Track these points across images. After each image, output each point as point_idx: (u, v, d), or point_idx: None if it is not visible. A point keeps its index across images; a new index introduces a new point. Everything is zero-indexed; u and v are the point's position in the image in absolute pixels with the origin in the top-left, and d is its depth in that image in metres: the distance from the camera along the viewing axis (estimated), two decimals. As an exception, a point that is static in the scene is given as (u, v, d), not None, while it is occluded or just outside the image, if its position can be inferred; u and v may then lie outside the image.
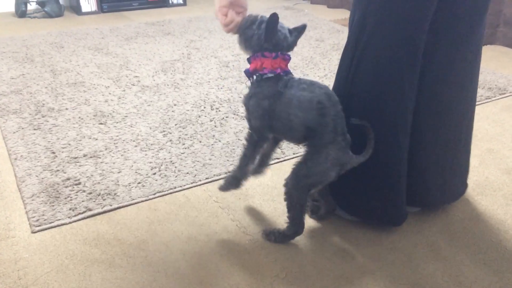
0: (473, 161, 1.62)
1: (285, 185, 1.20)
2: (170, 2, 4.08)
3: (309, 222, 1.32)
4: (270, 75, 1.14)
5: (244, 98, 1.20)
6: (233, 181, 1.28)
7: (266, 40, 1.13)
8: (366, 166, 1.16)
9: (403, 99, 1.16)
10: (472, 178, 1.52)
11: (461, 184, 1.38)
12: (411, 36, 1.11)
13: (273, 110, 1.14)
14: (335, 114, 1.12)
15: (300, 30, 1.20)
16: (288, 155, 1.67)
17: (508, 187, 1.47)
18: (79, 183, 1.48)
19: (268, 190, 1.48)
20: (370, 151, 1.14)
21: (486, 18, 1.20)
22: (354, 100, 1.20)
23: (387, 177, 1.21)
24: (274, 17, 1.11)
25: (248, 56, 1.19)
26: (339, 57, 2.68)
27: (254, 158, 1.25)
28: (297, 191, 1.17)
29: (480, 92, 2.17)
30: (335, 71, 2.49)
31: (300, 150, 1.69)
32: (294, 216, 1.20)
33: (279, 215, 1.36)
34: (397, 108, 1.17)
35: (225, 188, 1.29)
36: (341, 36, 3.11)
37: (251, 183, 1.50)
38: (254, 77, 1.17)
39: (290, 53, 1.19)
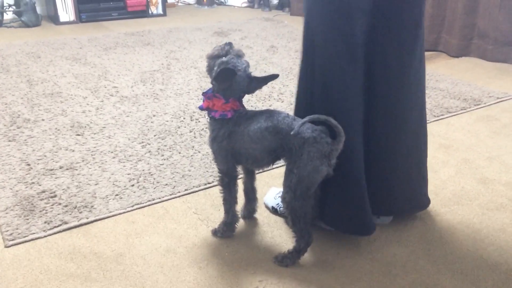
0: (449, 171, 1.64)
1: (283, 200, 1.19)
2: (150, 12, 4.08)
3: (290, 234, 1.31)
4: (221, 117, 1.18)
5: (209, 141, 1.24)
6: (227, 227, 1.30)
7: (215, 82, 1.18)
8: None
9: (347, 94, 1.19)
10: (448, 188, 1.54)
11: (426, 193, 1.40)
12: (349, 31, 1.15)
13: (233, 148, 1.20)
14: (287, 124, 1.15)
15: (267, 80, 1.22)
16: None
17: (484, 196, 1.50)
18: (55, 196, 1.45)
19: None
20: (342, 135, 1.13)
21: (423, 25, 1.26)
22: (314, 100, 1.24)
23: (346, 183, 1.22)
24: (228, 72, 1.14)
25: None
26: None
27: (235, 198, 1.29)
28: (297, 201, 1.15)
29: (455, 103, 2.22)
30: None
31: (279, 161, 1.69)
32: (302, 227, 1.18)
33: (259, 226, 1.35)
34: (343, 103, 1.19)
35: (223, 236, 1.31)
36: (320, 48, 3.15)
37: (231, 194, 1.49)
38: (210, 116, 1.21)
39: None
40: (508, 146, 1.82)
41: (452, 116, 2.09)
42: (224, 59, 1.17)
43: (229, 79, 1.16)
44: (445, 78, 2.56)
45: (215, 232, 1.32)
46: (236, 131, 1.18)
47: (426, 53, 3.05)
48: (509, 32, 2.76)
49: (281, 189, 1.27)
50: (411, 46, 1.21)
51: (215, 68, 1.17)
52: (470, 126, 1.99)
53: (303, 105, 1.28)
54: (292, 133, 1.13)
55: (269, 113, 1.19)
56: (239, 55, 1.20)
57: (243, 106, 1.23)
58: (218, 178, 1.28)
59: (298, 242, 1.20)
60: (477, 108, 2.17)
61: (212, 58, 1.19)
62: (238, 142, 1.19)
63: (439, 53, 3.08)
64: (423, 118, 1.34)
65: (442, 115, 2.09)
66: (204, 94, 1.22)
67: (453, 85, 2.45)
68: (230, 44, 1.21)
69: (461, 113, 2.12)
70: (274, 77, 1.23)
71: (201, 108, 1.23)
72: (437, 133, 1.93)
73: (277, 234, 1.32)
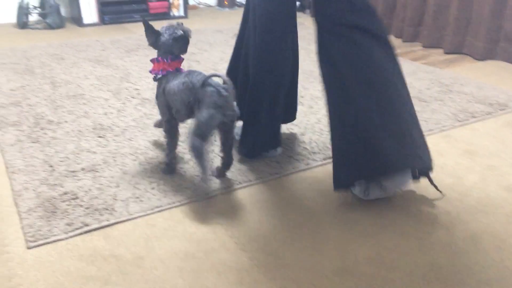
0: (474, 177, 1.60)
1: (187, 136, 1.44)
2: (172, 14, 4.11)
3: (308, 239, 1.30)
4: (158, 76, 1.52)
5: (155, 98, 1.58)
6: (168, 167, 1.61)
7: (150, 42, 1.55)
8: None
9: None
10: (473, 195, 1.50)
11: (424, 154, 1.41)
12: None
13: (167, 101, 1.51)
14: (197, 81, 1.41)
15: (183, 39, 1.53)
16: (287, 170, 1.66)
17: (510, 204, 1.46)
18: (77, 198, 1.47)
19: (267, 206, 1.46)
20: (230, 89, 1.39)
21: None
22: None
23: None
24: (145, 21, 1.53)
25: None
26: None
27: (176, 143, 1.61)
28: (195, 140, 1.38)
29: (480, 107, 2.17)
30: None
31: (300, 164, 1.68)
32: (199, 164, 1.41)
33: (278, 232, 1.34)
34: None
35: (164, 173, 1.61)
36: (342, 50, 3.12)
37: (250, 199, 1.49)
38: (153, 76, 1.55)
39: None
40: (536, 153, 1.77)
41: (477, 121, 2.04)
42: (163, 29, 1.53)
43: (152, 36, 1.53)
44: (470, 82, 2.50)
45: (162, 171, 1.62)
46: (166, 87, 1.49)
47: (451, 56, 3.00)
48: (537, 35, 2.69)
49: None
50: None
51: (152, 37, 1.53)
52: (495, 131, 1.95)
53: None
54: (198, 86, 1.40)
55: (188, 72, 1.48)
56: (178, 28, 1.53)
57: (180, 68, 1.54)
58: (164, 129, 1.58)
59: (201, 172, 1.43)
60: (503, 113, 2.11)
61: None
62: (168, 96, 1.49)
63: (463, 56, 3.02)
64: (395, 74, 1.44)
65: (466, 120, 2.05)
66: (151, 60, 1.55)
67: (478, 89, 2.39)
68: (178, 23, 1.56)
69: (486, 118, 2.07)
70: (184, 37, 1.53)
71: (150, 72, 1.55)
72: (461, 139, 1.89)
73: (296, 238, 1.31)
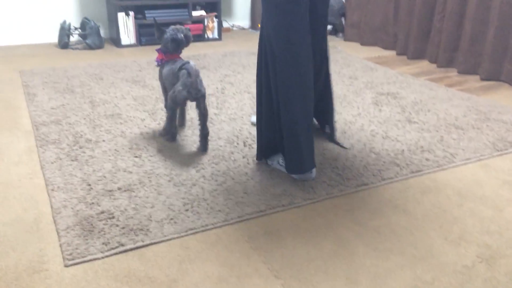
0: (515, 210, 1.55)
1: (164, 105, 2.05)
2: (206, 36, 4.19)
3: (342, 268, 1.28)
4: (158, 64, 2.05)
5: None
6: (167, 132, 2.04)
7: (158, 38, 2.04)
8: None
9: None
10: (515, 229, 1.46)
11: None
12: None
13: (163, 83, 2.06)
14: (176, 68, 1.91)
15: (157, 27, 2.04)
16: (321, 196, 1.65)
17: (554, 240, 1.40)
18: (113, 217, 1.49)
19: (301, 232, 1.45)
20: (192, 77, 1.84)
21: None
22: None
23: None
24: (154, 20, 2.10)
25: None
26: (372, 95, 2.71)
27: (175, 117, 2.00)
28: (168, 109, 1.96)
29: (520, 137, 2.11)
30: (369, 110, 2.49)
31: (334, 190, 1.67)
32: (167, 120, 2.00)
33: (312, 259, 1.33)
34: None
35: (165, 139, 2.06)
36: (375, 74, 3.11)
37: (284, 225, 1.48)
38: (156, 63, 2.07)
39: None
40: None
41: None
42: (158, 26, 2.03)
43: (158, 33, 2.03)
44: (508, 110, 2.45)
45: (159, 134, 2.12)
46: (162, 72, 2.02)
47: (488, 83, 2.95)
48: None
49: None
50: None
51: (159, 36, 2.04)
52: (537, 162, 1.89)
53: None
54: (176, 70, 1.91)
55: (174, 61, 1.98)
56: (180, 32, 2.01)
57: (178, 58, 2.02)
58: (164, 104, 2.11)
59: (165, 126, 2.04)
60: (544, 143, 2.05)
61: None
62: (164, 78, 2.02)
63: (501, 83, 2.96)
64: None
65: (505, 149, 2.00)
66: (156, 50, 2.06)
67: (517, 118, 2.34)
68: (184, 29, 2.03)
69: (526, 148, 2.01)
70: (181, 41, 2.00)
71: (156, 60, 2.06)
72: (500, 169, 1.84)
73: (330, 266, 1.29)
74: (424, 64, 3.48)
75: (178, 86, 1.87)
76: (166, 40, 1.99)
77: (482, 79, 3.06)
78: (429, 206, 1.59)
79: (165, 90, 2.08)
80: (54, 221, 1.48)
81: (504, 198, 1.63)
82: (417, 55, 3.62)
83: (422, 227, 1.47)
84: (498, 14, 2.91)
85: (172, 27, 2.01)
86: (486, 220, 1.50)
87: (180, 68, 1.88)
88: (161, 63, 2.04)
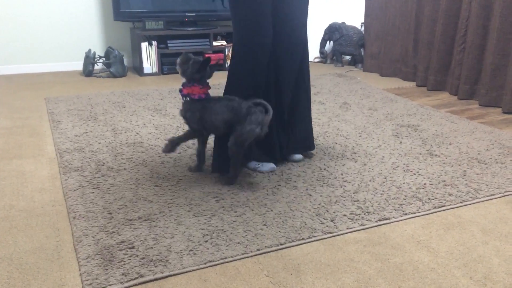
0: (543, 250, 1.51)
1: (229, 144, 1.85)
2: (226, 66, 4.25)
3: None
4: (199, 97, 1.89)
5: (181, 111, 1.95)
6: (195, 168, 2.05)
7: (198, 72, 1.88)
8: None
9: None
10: (543, 270, 1.41)
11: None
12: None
13: (202, 117, 1.89)
14: (239, 105, 1.84)
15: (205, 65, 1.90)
16: (341, 230, 1.63)
17: None
18: (133, 247, 1.50)
19: (321, 267, 1.43)
20: (271, 111, 1.83)
21: None
22: None
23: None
24: (208, 60, 1.87)
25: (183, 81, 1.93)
26: (393, 127, 2.69)
27: (203, 149, 2.03)
28: (235, 146, 1.84)
29: (546, 172, 2.07)
30: (389, 142, 2.47)
31: (354, 224, 1.65)
32: (234, 163, 1.89)
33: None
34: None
35: (193, 171, 2.05)
36: (395, 106, 3.10)
37: (303, 259, 1.46)
38: (188, 98, 1.90)
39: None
40: None
41: (542, 187, 1.95)
42: (192, 58, 1.88)
43: (205, 67, 1.88)
44: (533, 144, 2.40)
45: (189, 168, 2.06)
46: (207, 106, 1.87)
47: (510, 116, 2.92)
48: None
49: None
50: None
51: (190, 67, 1.87)
52: None
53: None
54: (242, 108, 1.83)
55: (227, 99, 1.89)
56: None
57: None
58: (190, 134, 1.99)
59: (231, 171, 1.92)
60: None
61: (184, 63, 1.88)
62: (206, 113, 1.87)
63: (524, 116, 2.92)
64: None
65: (531, 185, 1.95)
66: (183, 85, 1.90)
67: (542, 153, 2.29)
68: (185, 53, 1.91)
69: (552, 184, 1.97)
70: (204, 61, 1.88)
71: (181, 93, 1.91)
72: (526, 206, 1.79)
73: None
74: (445, 96, 3.46)
75: (250, 124, 1.80)
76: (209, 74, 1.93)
77: (504, 112, 3.02)
78: (453, 243, 1.55)
79: (200, 124, 1.92)
80: (75, 250, 1.49)
81: (530, 236, 1.59)
82: (437, 87, 3.61)
83: (446, 265, 1.43)
84: (520, 47, 2.90)
85: (194, 59, 1.95)
86: (513, 260, 1.46)
87: (255, 104, 1.83)
88: (205, 96, 1.91)
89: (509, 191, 1.91)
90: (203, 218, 1.68)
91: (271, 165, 2.09)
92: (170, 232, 1.59)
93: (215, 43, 4.17)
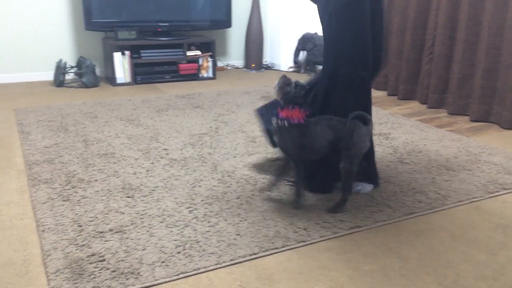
0: (508, 254, 1.55)
1: (343, 168, 1.74)
2: (201, 75, 4.25)
3: None
4: (298, 122, 1.73)
5: (280, 141, 1.79)
6: (297, 200, 1.85)
7: (304, 97, 1.75)
8: None
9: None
10: (508, 274, 1.45)
11: None
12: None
13: (302, 143, 1.74)
14: (339, 122, 1.73)
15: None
16: (314, 238, 1.64)
17: (548, 285, 1.40)
18: (104, 260, 1.47)
19: (294, 276, 1.44)
20: (372, 122, 1.78)
21: None
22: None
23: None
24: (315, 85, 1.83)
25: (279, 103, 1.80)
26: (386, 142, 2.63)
27: (303, 177, 1.85)
28: (354, 167, 1.74)
29: (510, 179, 2.14)
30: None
31: (327, 233, 1.66)
32: (350, 184, 1.78)
33: None
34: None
35: (298, 206, 1.84)
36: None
37: (277, 268, 1.47)
38: (285, 122, 1.73)
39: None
40: None
41: (508, 193, 2.01)
42: (293, 81, 1.76)
43: (311, 92, 1.81)
44: (499, 152, 2.48)
45: (268, 188, 1.94)
46: (305, 131, 1.73)
47: (477, 124, 3.00)
48: None
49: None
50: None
51: (292, 90, 1.74)
52: (528, 205, 1.90)
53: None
54: (345, 125, 1.72)
55: (325, 119, 1.76)
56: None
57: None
58: (293, 165, 1.82)
59: (345, 195, 1.79)
60: (535, 186, 2.07)
61: (285, 86, 1.75)
62: (307, 138, 1.73)
63: (490, 124, 3.01)
64: None
65: (497, 191, 2.01)
66: (281, 109, 1.75)
67: (507, 160, 2.36)
68: (284, 75, 1.79)
69: (517, 190, 2.03)
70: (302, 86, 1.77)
71: (277, 115, 1.75)
72: (492, 211, 1.84)
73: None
74: (415, 105, 3.54)
75: (360, 139, 1.72)
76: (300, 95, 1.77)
77: (472, 120, 3.11)
78: (422, 250, 1.58)
79: (299, 151, 1.77)
80: (44, 264, 1.45)
81: (497, 241, 1.63)
82: (407, 96, 3.69)
83: (416, 271, 1.46)
84: (485, 56, 2.99)
85: (297, 82, 1.78)
86: (480, 265, 1.50)
87: (355, 118, 1.73)
88: (297, 122, 1.74)
89: (476, 198, 1.96)
90: (176, 229, 1.67)
91: (370, 186, 2.01)
92: (142, 244, 1.57)
93: (189, 53, 4.16)
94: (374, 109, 3.31)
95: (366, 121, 1.76)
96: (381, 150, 2.50)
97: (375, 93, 3.90)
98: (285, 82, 1.75)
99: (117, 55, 3.88)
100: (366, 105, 1.90)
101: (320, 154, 1.78)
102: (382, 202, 1.90)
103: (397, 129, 2.87)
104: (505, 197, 1.97)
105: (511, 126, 2.90)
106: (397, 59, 3.75)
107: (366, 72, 1.85)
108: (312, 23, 4.60)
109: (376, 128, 2.86)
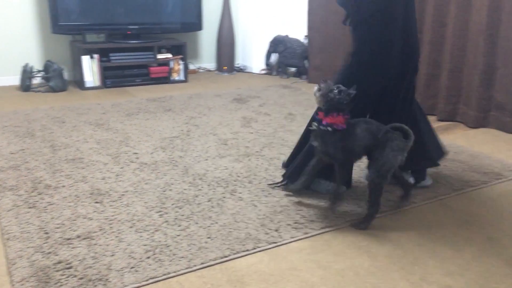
0: (473, 249, 1.59)
1: (368, 178, 1.71)
2: (172, 78, 4.22)
3: None
4: (341, 128, 1.71)
5: (321, 145, 1.76)
6: (337, 197, 1.83)
7: (350, 103, 1.70)
8: None
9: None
10: (472, 269, 1.49)
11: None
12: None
13: (344, 146, 1.73)
14: (378, 128, 1.71)
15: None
16: (285, 239, 1.65)
17: (511, 279, 1.44)
18: (71, 267, 1.44)
19: (265, 278, 1.44)
20: (412, 136, 1.68)
21: None
22: None
23: None
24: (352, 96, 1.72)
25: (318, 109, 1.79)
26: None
27: (345, 177, 1.91)
28: (379, 178, 1.68)
29: (475, 176, 2.19)
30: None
31: (298, 233, 1.67)
32: (376, 198, 1.70)
33: (276, 306, 1.31)
34: None
35: (332, 207, 1.84)
36: (338, 116, 3.19)
37: (248, 270, 1.47)
38: (330, 128, 1.71)
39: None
40: (533, 224, 1.77)
41: (473, 190, 2.06)
42: (336, 87, 1.70)
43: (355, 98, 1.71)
44: (464, 150, 2.54)
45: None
46: (346, 133, 1.72)
47: (444, 124, 3.07)
48: (527, 105, 2.77)
49: None
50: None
51: (336, 96, 1.68)
52: (492, 201, 1.95)
53: None
54: (380, 135, 1.68)
55: (364, 121, 1.75)
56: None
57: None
58: (336, 167, 1.79)
59: (370, 209, 1.71)
60: (498, 183, 2.13)
61: (329, 92, 1.70)
62: (348, 140, 1.72)
63: (457, 124, 3.09)
64: None
65: (463, 189, 2.06)
66: (325, 116, 1.72)
67: (472, 158, 2.43)
68: (326, 80, 1.73)
69: (482, 187, 2.09)
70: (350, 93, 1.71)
71: (325, 124, 1.72)
72: (458, 208, 1.89)
73: None
74: (384, 106, 3.59)
75: (392, 151, 1.67)
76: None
77: (439, 120, 3.18)
78: (391, 247, 1.61)
79: (343, 153, 1.75)
80: (9, 273, 1.41)
81: (462, 237, 1.67)
82: (377, 97, 3.75)
83: (385, 269, 1.48)
84: (450, 57, 3.07)
85: (340, 88, 1.72)
86: (447, 261, 1.53)
87: (394, 129, 1.69)
88: (341, 128, 1.73)
89: (443, 195, 2.00)
90: (145, 234, 1.65)
91: (429, 181, 2.09)
92: (110, 249, 1.55)
93: (160, 56, 4.12)
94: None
95: (407, 135, 1.69)
96: (351, 151, 2.53)
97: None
98: (328, 89, 1.70)
99: (85, 59, 3.81)
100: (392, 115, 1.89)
101: (359, 156, 1.78)
102: (352, 202, 1.92)
103: (367, 130, 2.91)
104: (470, 194, 2.02)
105: (476, 125, 2.98)
106: (367, 60, 3.80)
107: (385, 80, 1.88)
108: (283, 26, 4.63)
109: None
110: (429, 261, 1.52)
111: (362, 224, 1.72)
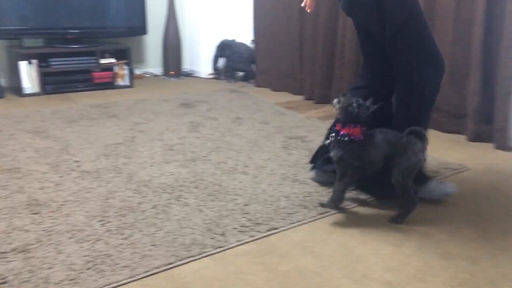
0: (411, 245, 1.65)
1: (395, 181, 1.77)
2: (117, 84, 4.12)
3: None
4: (358, 139, 1.76)
5: (336, 154, 1.80)
6: (336, 205, 1.87)
7: (370, 116, 1.77)
8: None
9: None
10: (411, 264, 1.54)
11: None
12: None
13: (359, 156, 1.77)
14: (395, 136, 1.78)
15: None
16: (232, 243, 1.64)
17: (447, 272, 1.50)
18: (5, 282, 1.37)
19: (210, 283, 1.42)
20: (427, 138, 1.81)
21: None
22: None
23: None
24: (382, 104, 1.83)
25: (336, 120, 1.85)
26: (283, 139, 2.75)
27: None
28: (405, 180, 1.76)
29: (415, 174, 2.28)
30: (279, 154, 2.54)
31: (244, 236, 1.67)
32: (407, 196, 1.78)
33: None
34: None
35: (331, 205, 1.88)
36: (284, 119, 3.23)
37: (194, 276, 1.45)
38: (346, 138, 1.76)
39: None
40: (468, 220, 1.86)
41: (412, 188, 2.13)
42: (354, 101, 1.74)
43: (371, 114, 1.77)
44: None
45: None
46: (363, 144, 1.77)
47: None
48: (460, 106, 2.92)
49: None
50: None
51: (356, 110, 1.74)
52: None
53: None
54: (402, 141, 1.75)
55: (379, 131, 1.81)
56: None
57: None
58: (351, 176, 1.82)
59: (406, 206, 1.80)
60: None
61: (348, 106, 1.74)
62: (365, 151, 1.77)
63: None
64: None
65: (402, 187, 2.14)
66: (343, 126, 1.78)
67: (412, 157, 2.52)
68: (345, 94, 1.78)
69: (420, 184, 2.17)
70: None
71: (336, 132, 1.80)
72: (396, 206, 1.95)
73: None
74: (330, 108, 3.66)
75: (415, 155, 1.75)
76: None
77: (381, 121, 3.29)
78: (335, 246, 1.64)
79: (358, 163, 1.79)
80: None
81: (402, 234, 1.73)
82: (322, 100, 3.83)
83: (329, 268, 1.51)
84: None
85: (359, 102, 1.76)
86: (387, 257, 1.58)
87: (410, 133, 1.75)
88: (358, 139, 1.77)
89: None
90: (86, 244, 1.59)
91: (454, 187, 2.03)
92: (48, 262, 1.48)
93: (103, 61, 4.02)
94: (291, 113, 3.40)
95: (421, 137, 1.79)
96: (297, 153, 2.56)
97: (293, 98, 4.01)
98: (347, 102, 1.74)
99: (23, 64, 3.65)
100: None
101: (377, 167, 1.81)
102: (299, 203, 1.95)
103: (313, 132, 2.96)
104: (410, 192, 2.10)
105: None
106: (312, 64, 3.88)
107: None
108: (229, 30, 4.64)
109: (293, 132, 2.94)
110: (370, 258, 1.57)
111: (399, 219, 1.80)
